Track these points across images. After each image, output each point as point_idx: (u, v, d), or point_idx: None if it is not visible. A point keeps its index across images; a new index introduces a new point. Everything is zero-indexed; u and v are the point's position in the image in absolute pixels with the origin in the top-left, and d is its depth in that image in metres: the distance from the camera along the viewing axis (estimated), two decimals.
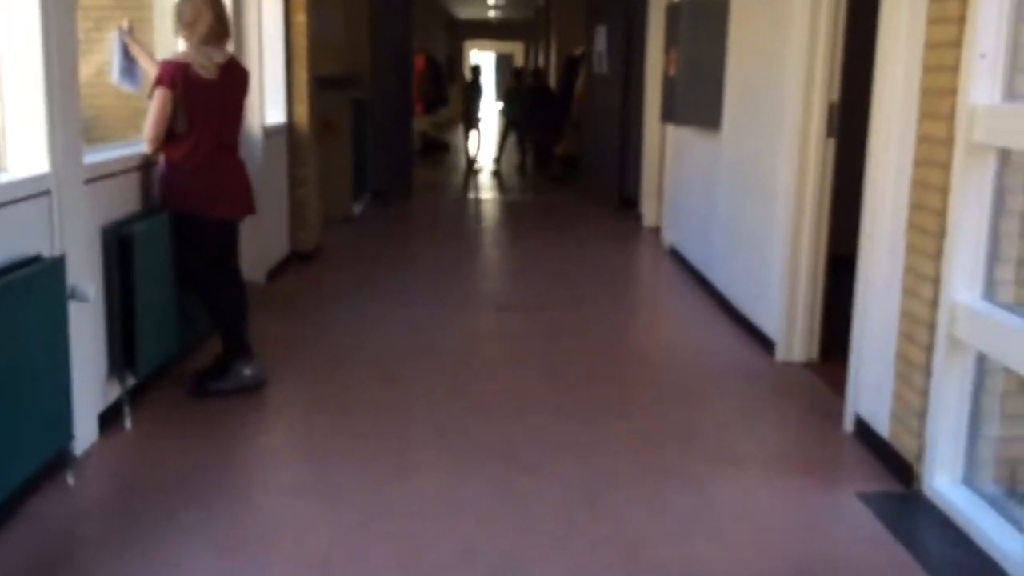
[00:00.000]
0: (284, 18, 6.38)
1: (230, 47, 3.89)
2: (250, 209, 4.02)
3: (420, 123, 16.99)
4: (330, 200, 8.45)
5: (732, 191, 5.53)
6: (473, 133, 14.35)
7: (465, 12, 25.35)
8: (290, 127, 6.54)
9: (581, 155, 12.50)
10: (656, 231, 8.32)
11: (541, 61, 21.53)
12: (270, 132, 6.12)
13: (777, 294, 4.53)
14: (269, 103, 6.26)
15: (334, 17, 10.03)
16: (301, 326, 5.05)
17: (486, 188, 12.12)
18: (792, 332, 4.46)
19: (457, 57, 29.04)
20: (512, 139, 14.75)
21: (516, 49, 31.23)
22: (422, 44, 16.67)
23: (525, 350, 4.74)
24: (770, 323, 4.67)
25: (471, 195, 11.36)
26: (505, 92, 15.95)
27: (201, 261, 3.80)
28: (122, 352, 3.40)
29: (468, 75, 17.11)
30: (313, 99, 6.74)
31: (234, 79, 3.83)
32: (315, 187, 6.92)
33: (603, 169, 10.01)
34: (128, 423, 3.47)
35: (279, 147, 6.40)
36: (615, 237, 8.33)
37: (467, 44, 31.41)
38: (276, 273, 6.18)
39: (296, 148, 6.59)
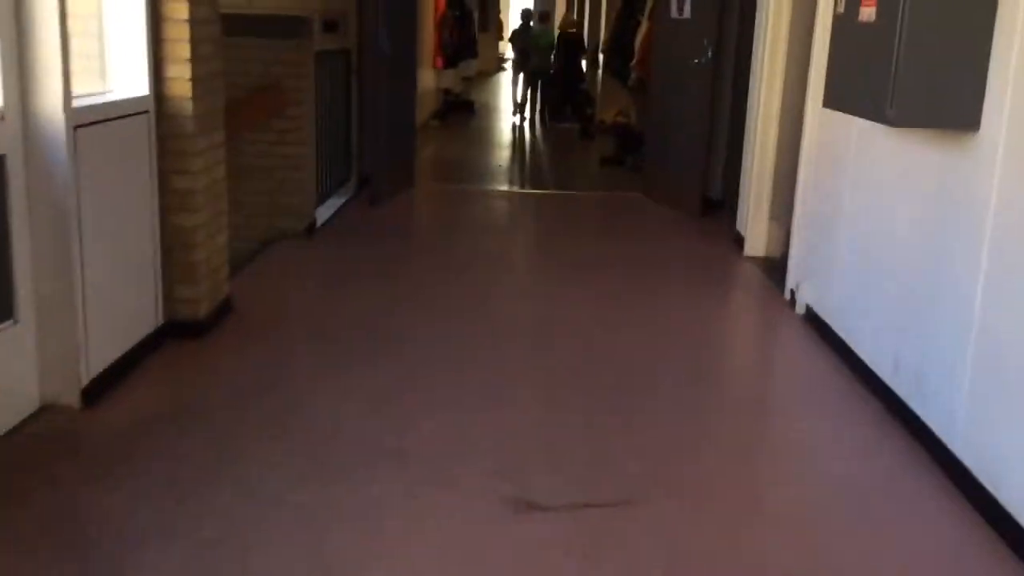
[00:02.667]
0: None
1: None
2: None
3: (443, 78, 14.12)
4: (277, 208, 5.63)
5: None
6: (521, 80, 13.46)
7: None
8: (159, 106, 3.68)
9: (643, 131, 9.53)
10: (766, 266, 5.39)
11: (588, 5, 18.40)
12: (99, 116, 3.27)
13: None
14: (91, 62, 3.42)
15: None
16: None
17: (517, 174, 9.19)
18: None
19: (493, 2, 25.92)
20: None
21: None
22: None
23: None
24: None
25: (495, 186, 8.42)
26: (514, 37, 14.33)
27: None
28: None
29: (517, 20, 15.14)
30: (208, 52, 3.87)
31: None
32: (218, 207, 4.08)
33: (678, 156, 7.05)
34: None
35: (130, 145, 3.54)
36: (705, 277, 5.39)
37: None
38: (115, 377, 3.37)
39: (171, 144, 3.73)
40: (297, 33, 5.48)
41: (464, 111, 14.32)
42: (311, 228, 5.83)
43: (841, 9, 3.40)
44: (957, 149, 3.00)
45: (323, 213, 6.30)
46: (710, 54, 6.60)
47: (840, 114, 3.75)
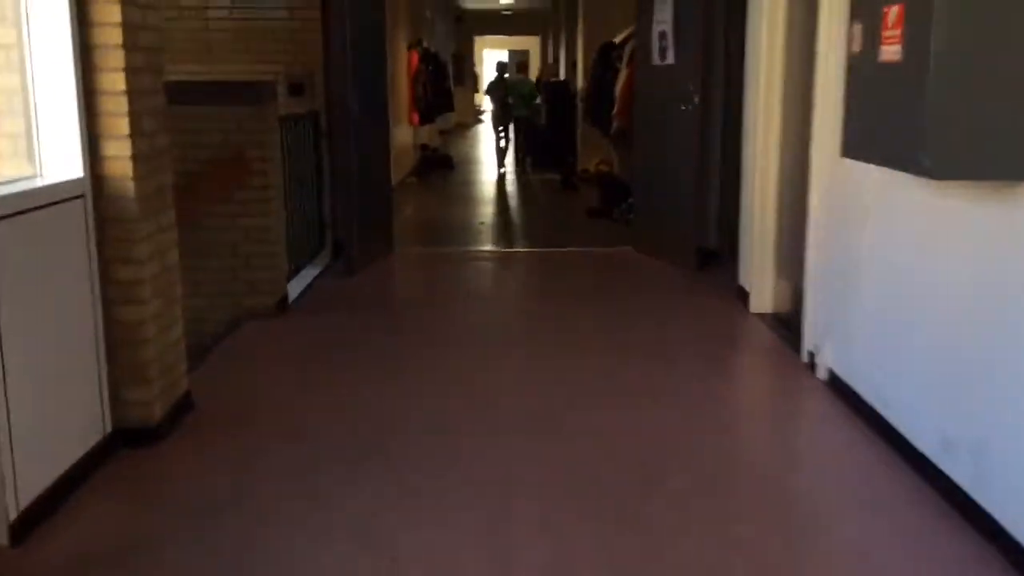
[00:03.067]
0: None
1: None
2: None
3: (420, 134, 13.86)
4: (243, 285, 5.21)
5: None
6: (499, 132, 13.55)
7: (474, 0, 22.15)
8: (96, 189, 3.27)
9: (627, 181, 9.21)
10: (776, 324, 5.00)
11: (562, 57, 18.25)
12: (20, 206, 2.85)
13: None
14: (17, 143, 3.03)
15: None
16: None
17: (501, 232, 8.80)
18: None
19: (467, 55, 25.95)
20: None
21: (531, 44, 28.03)
22: (416, 36, 13.45)
23: None
24: None
25: (478, 246, 8.02)
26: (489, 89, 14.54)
27: None
28: None
29: (492, 72, 15.36)
30: (152, 127, 3.47)
31: None
32: (170, 296, 3.65)
33: (669, 208, 6.70)
34: None
35: (63, 235, 3.12)
36: (712, 339, 4.97)
37: (477, 41, 28.37)
38: (52, 504, 2.91)
39: (112, 230, 3.32)
40: (258, 98, 5.10)
41: (443, 166, 14.03)
42: (282, 304, 5.40)
43: (857, 48, 3.05)
44: (1005, 201, 2.62)
45: (296, 286, 5.89)
46: (697, 100, 6.28)
47: (853, 162, 3.39)
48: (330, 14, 6.56)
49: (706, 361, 4.55)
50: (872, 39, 2.92)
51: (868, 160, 3.07)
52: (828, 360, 4.06)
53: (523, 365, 4.51)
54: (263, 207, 5.16)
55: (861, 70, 3.03)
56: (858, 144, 3.08)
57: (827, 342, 4.09)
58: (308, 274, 6.32)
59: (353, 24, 6.37)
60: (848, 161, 3.54)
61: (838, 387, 3.94)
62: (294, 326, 5.15)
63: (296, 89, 6.80)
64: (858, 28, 3.05)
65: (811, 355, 4.28)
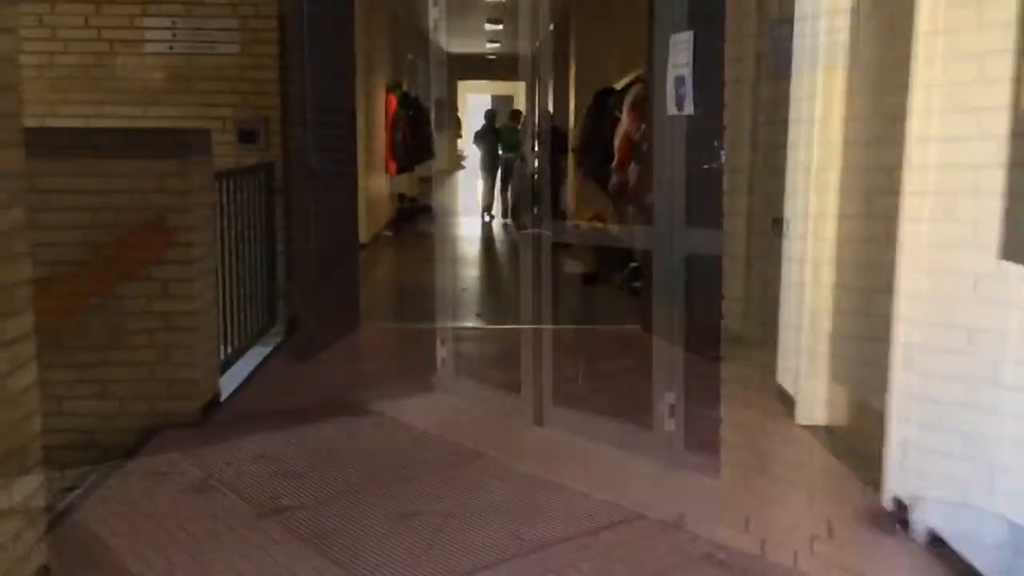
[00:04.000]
0: None
1: None
2: None
3: (397, 183, 12.90)
4: (160, 385, 4.11)
5: None
6: (487, 181, 13.49)
7: (458, 45, 21.37)
8: None
9: (628, 242, 8.22)
10: (834, 444, 3.95)
11: (550, 102, 17.39)
12: None
13: None
14: None
15: (216, 29, 5.90)
16: None
17: (485, 301, 7.73)
18: None
19: (450, 100, 25.15)
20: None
21: (516, 90, 27.28)
22: (395, 79, 12.53)
23: None
24: None
25: (459, 321, 6.93)
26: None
27: None
28: None
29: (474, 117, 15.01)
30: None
31: None
32: (19, 439, 2.55)
33: (686, 283, 5.67)
34: None
35: None
36: (754, 466, 3.89)
37: (461, 86, 27.67)
38: None
39: None
40: (185, 150, 4.04)
41: (421, 219, 13.03)
42: (210, 407, 4.29)
43: None
44: None
45: (235, 375, 4.81)
46: (723, 159, 5.28)
47: (983, 257, 2.37)
48: (289, 49, 5.56)
49: (752, 501, 3.46)
50: None
51: None
52: (933, 520, 2.99)
53: (500, 528, 3.40)
54: (187, 287, 4.06)
55: None
56: None
57: (930, 495, 3.02)
58: (256, 355, 5.24)
59: (316, 61, 5.35)
60: (974, 256, 2.52)
61: (951, 561, 2.87)
62: (217, 442, 3.97)
63: (247, 136, 5.79)
64: None
65: (899, 504, 3.21)
